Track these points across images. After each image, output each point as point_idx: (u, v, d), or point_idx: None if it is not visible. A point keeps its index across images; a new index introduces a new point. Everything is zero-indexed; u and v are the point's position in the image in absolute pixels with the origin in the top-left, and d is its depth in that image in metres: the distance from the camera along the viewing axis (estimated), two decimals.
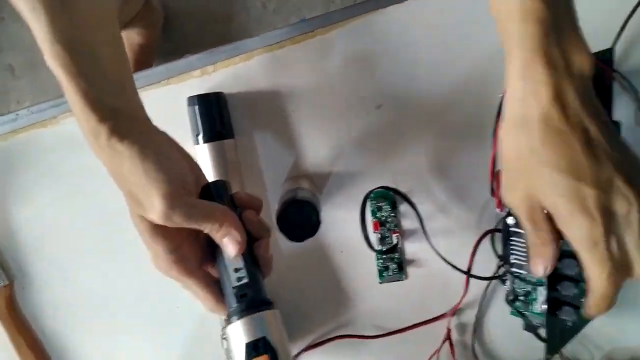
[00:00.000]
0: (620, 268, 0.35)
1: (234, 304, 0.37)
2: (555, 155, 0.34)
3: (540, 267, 0.38)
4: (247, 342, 0.36)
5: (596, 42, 0.37)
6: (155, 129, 0.38)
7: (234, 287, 0.37)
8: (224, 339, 0.49)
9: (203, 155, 0.47)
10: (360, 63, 0.50)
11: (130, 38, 0.98)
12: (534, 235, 0.37)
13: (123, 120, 0.35)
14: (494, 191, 0.48)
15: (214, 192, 0.40)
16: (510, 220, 0.48)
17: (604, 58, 0.43)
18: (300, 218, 0.42)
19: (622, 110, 0.46)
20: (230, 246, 0.37)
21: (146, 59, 1.00)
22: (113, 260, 0.53)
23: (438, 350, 0.54)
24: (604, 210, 0.33)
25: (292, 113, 0.51)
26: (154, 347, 0.55)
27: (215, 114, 0.47)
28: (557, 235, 0.37)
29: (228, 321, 0.37)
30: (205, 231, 0.37)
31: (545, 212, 0.36)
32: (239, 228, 0.38)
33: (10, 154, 0.52)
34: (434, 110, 0.51)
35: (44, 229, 0.53)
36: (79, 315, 0.54)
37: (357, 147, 0.51)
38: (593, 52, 0.35)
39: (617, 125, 0.41)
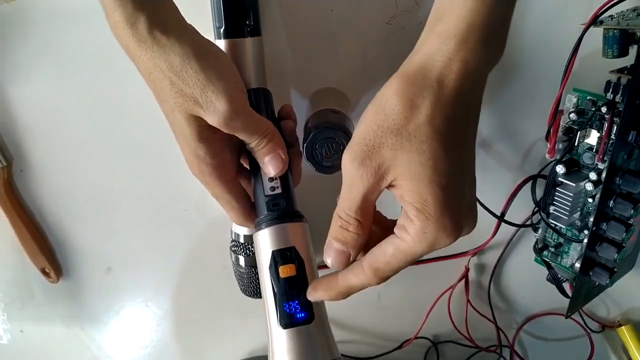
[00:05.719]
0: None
1: (265, 212, 0.36)
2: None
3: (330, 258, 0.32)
4: (274, 249, 0.34)
5: None
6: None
7: (266, 196, 0.36)
8: (233, 251, 0.47)
9: None
10: None
11: None
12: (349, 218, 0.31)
13: (162, 7, 0.32)
14: (550, 135, 0.43)
15: (254, 101, 0.38)
16: (559, 169, 0.43)
17: None
18: (332, 148, 0.37)
19: None
20: (272, 165, 0.36)
21: None
22: (118, 154, 0.49)
23: (453, 287, 0.53)
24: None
25: (331, 12, 0.43)
26: (156, 246, 0.53)
27: (241, 4, 0.40)
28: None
29: (257, 228, 0.36)
30: (251, 145, 0.35)
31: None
32: (284, 148, 0.36)
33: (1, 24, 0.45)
34: None
35: (41, 112, 0.47)
36: (79, 206, 0.51)
37: (398, 63, 0.44)
38: None
39: None
